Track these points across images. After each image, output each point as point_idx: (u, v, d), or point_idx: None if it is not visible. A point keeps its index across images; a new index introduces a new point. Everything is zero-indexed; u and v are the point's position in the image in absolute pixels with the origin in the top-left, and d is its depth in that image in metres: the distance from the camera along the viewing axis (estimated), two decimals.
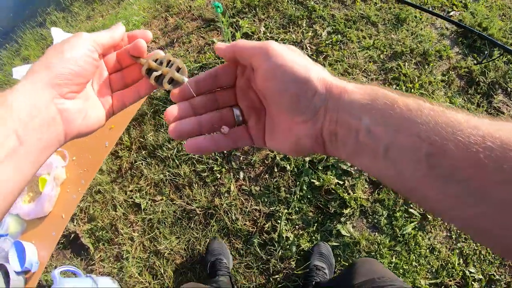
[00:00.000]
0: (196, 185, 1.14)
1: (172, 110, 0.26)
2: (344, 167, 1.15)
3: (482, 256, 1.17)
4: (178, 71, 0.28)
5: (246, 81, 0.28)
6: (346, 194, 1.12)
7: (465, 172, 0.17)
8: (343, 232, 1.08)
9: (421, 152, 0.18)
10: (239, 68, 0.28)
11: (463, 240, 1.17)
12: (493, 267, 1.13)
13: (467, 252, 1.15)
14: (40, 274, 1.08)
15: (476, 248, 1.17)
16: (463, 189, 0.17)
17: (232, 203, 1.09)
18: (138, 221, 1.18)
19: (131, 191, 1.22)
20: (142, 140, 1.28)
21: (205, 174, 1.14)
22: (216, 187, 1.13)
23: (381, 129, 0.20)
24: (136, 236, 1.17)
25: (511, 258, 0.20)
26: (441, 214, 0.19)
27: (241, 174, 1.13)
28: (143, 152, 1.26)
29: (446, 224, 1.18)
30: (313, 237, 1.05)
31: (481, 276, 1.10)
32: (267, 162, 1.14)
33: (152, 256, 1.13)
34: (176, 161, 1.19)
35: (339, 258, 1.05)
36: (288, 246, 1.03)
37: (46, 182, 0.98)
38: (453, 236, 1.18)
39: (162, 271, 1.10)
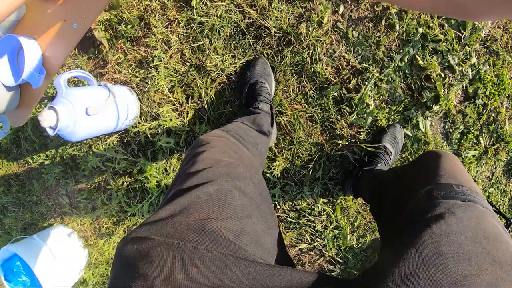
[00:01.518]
0: None
1: None
2: (452, 62, 0.92)
3: (499, 208, 1.20)
4: None
5: None
6: (442, 90, 0.92)
7: None
8: (421, 126, 0.92)
9: None
10: None
11: (496, 188, 1.15)
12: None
13: (492, 199, 1.16)
14: (45, 89, 0.73)
15: (499, 201, 1.18)
16: None
17: (320, 39, 0.81)
18: (182, 21, 0.85)
19: None
20: None
21: None
22: (305, 10, 0.82)
23: None
24: (175, 40, 0.86)
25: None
26: None
27: (341, 8, 0.82)
28: None
29: (494, 164, 1.12)
30: (392, 117, 0.87)
31: None
32: (376, 9, 0.84)
33: (192, 71, 0.85)
34: None
35: (404, 150, 0.92)
36: (364, 115, 0.84)
37: None
38: (491, 180, 1.14)
39: (203, 93, 0.85)
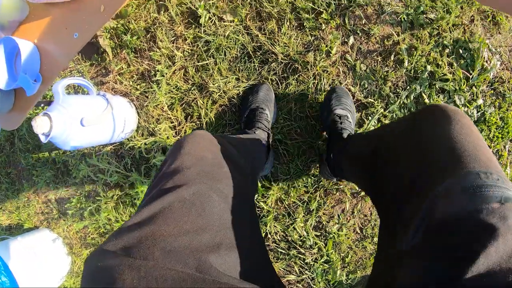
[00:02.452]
0: (289, 24, 0.80)
1: None
2: (458, 102, 0.91)
3: None
4: None
5: None
6: None
7: None
8: None
9: None
10: None
11: None
12: None
13: None
14: (41, 95, 0.71)
15: None
16: None
17: (327, 69, 0.80)
18: (189, 37, 0.83)
19: None
20: None
21: (306, 16, 0.80)
22: (314, 38, 0.80)
23: None
24: (180, 56, 0.84)
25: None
26: None
27: (351, 40, 0.81)
28: None
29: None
30: None
31: None
32: (386, 43, 0.82)
33: (194, 90, 0.84)
34: None
35: None
36: None
37: None
38: None
39: (203, 114, 0.83)
